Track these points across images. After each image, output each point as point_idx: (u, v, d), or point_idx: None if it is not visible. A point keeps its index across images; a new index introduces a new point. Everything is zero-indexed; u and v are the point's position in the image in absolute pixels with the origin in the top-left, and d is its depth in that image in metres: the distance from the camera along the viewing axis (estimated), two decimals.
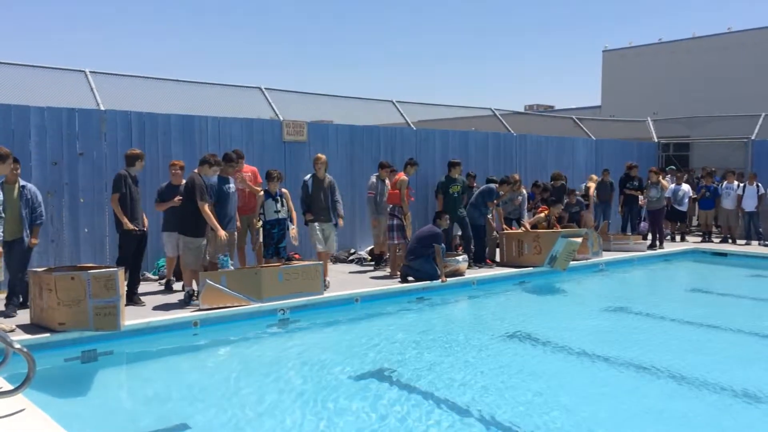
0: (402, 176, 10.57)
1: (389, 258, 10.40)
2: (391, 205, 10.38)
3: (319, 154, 9.35)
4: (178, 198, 8.23)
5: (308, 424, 4.75)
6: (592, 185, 13.72)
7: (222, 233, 7.84)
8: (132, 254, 7.87)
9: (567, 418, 4.90)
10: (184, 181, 8.47)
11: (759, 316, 8.94)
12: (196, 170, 7.99)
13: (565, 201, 12.88)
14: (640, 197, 13.89)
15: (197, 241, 7.85)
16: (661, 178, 13.62)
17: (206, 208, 7.73)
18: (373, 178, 10.88)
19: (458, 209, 10.78)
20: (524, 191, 12.23)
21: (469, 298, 9.67)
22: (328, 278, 8.89)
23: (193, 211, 7.74)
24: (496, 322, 8.29)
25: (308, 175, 9.29)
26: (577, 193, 13.27)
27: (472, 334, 7.77)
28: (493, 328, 7.93)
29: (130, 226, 7.72)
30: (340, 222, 9.36)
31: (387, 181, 10.75)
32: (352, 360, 6.40)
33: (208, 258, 8.16)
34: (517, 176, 12.14)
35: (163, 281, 9.08)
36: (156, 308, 7.61)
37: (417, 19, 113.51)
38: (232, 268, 8.26)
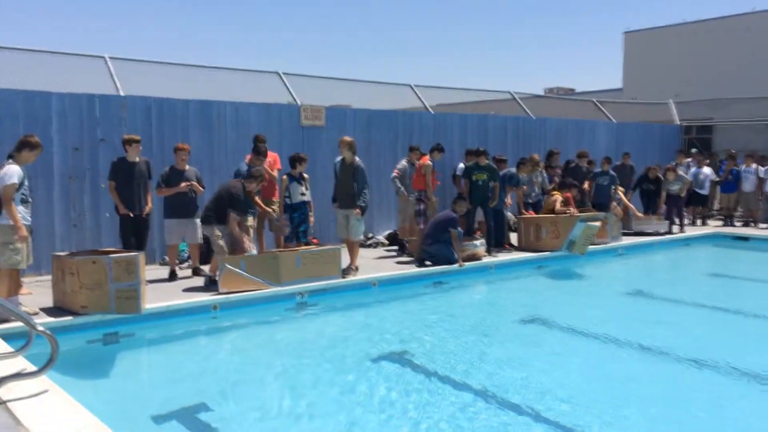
0: (426, 161, 10.53)
1: (414, 242, 10.38)
2: (417, 191, 10.38)
3: (344, 137, 9.13)
4: (185, 184, 8.30)
5: (326, 405, 4.81)
6: (621, 193, 13.36)
7: (248, 245, 7.96)
8: (130, 238, 8.00)
9: (580, 400, 4.91)
10: (188, 167, 8.54)
11: None
12: (242, 180, 8.01)
13: (597, 171, 12.84)
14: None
15: (221, 227, 7.93)
16: (674, 172, 13.39)
17: (235, 219, 7.80)
18: (404, 161, 10.85)
19: (483, 195, 10.67)
20: (544, 172, 12.17)
21: (487, 282, 9.67)
22: (354, 265, 8.78)
23: (221, 211, 7.83)
24: (513, 307, 8.28)
25: (338, 158, 9.12)
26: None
27: (489, 317, 7.79)
28: (511, 312, 7.93)
29: (123, 210, 7.93)
30: (356, 212, 8.82)
31: (416, 164, 10.72)
32: (370, 343, 6.45)
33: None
34: (536, 156, 12.04)
35: (184, 266, 9.18)
36: (185, 290, 7.74)
37: (436, 3, 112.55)
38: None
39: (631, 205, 13.24)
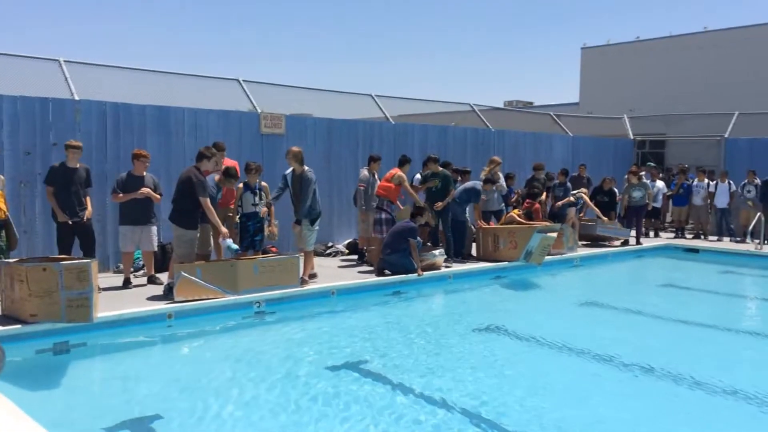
0: (398, 171, 10.50)
1: (373, 251, 10.36)
2: (379, 199, 10.35)
3: (291, 147, 9.02)
4: (142, 190, 8.22)
5: (282, 416, 4.76)
6: (585, 196, 13.59)
7: (224, 230, 7.95)
8: (70, 245, 7.88)
9: (532, 407, 4.98)
10: (145, 173, 8.44)
11: (726, 311, 9.12)
12: (195, 165, 8.01)
13: (554, 182, 13.16)
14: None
15: (191, 233, 7.88)
16: (636, 175, 13.71)
17: (209, 204, 7.78)
18: (365, 171, 10.72)
19: (436, 202, 10.69)
20: (501, 176, 12.31)
21: (445, 291, 9.73)
22: (306, 275, 8.70)
23: (189, 204, 7.77)
24: (470, 316, 8.35)
25: (289, 169, 9.02)
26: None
27: (446, 327, 7.84)
28: (468, 321, 7.99)
29: (62, 217, 7.79)
30: (294, 227, 8.86)
31: (376, 174, 10.65)
32: (327, 352, 6.43)
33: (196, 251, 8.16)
34: (497, 159, 12.18)
35: (139, 273, 9.02)
36: (139, 299, 7.58)
37: (397, 14, 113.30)
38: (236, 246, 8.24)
39: (596, 209, 13.45)
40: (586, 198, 13.37)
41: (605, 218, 13.48)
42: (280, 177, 10.55)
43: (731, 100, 21.16)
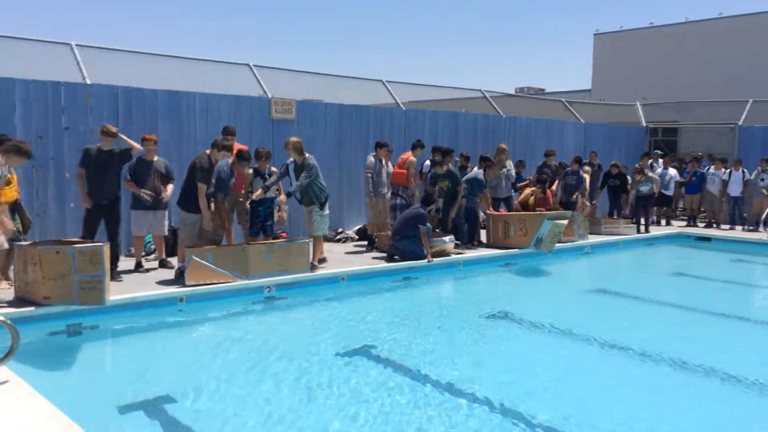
0: (411, 157, 10.54)
1: (383, 237, 10.35)
2: (394, 185, 10.36)
3: (289, 138, 9.03)
4: (146, 196, 8.32)
5: (292, 401, 4.79)
6: (587, 176, 13.55)
7: (209, 223, 7.93)
8: (96, 229, 7.86)
9: (542, 394, 4.99)
10: (156, 157, 8.46)
11: (737, 299, 9.06)
12: (207, 151, 8.04)
13: (567, 170, 13.16)
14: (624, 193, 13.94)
15: (193, 217, 7.90)
16: (641, 173, 13.69)
17: (202, 191, 7.78)
18: (371, 158, 10.64)
19: (450, 200, 10.67)
20: (510, 163, 12.27)
21: (455, 278, 9.73)
22: (315, 260, 8.74)
23: (193, 188, 7.82)
24: (479, 302, 8.35)
25: (290, 159, 9.08)
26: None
27: (455, 313, 7.85)
28: (477, 307, 7.98)
29: (85, 203, 7.75)
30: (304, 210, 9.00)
31: (384, 160, 10.67)
32: (337, 337, 6.46)
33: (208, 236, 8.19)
34: (503, 146, 12.15)
35: (150, 257, 9.07)
36: (151, 282, 7.64)
37: (410, 1, 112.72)
38: None
39: (588, 205, 13.43)
40: (587, 176, 13.35)
41: (587, 204, 13.45)
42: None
43: (745, 88, 20.95)
